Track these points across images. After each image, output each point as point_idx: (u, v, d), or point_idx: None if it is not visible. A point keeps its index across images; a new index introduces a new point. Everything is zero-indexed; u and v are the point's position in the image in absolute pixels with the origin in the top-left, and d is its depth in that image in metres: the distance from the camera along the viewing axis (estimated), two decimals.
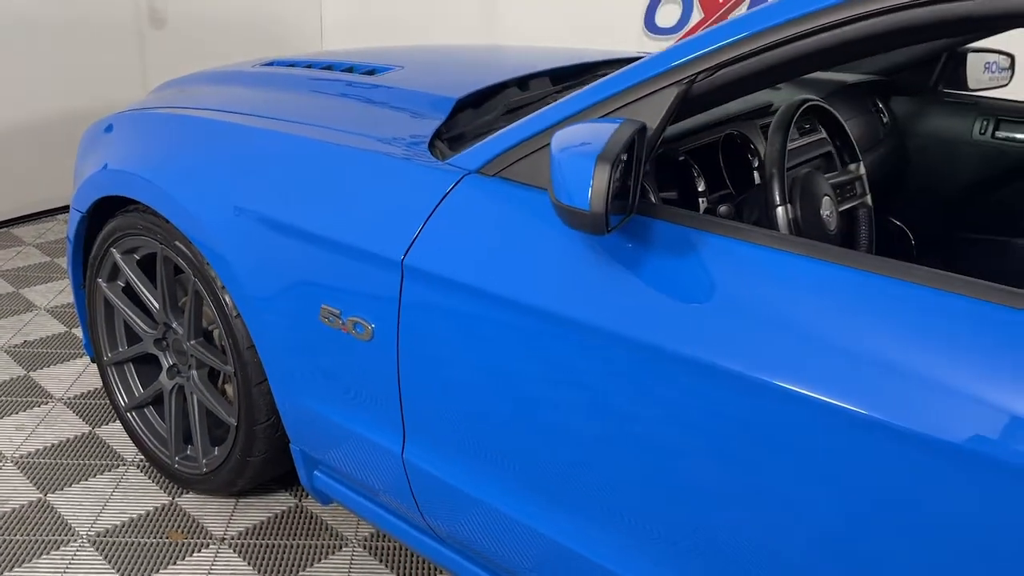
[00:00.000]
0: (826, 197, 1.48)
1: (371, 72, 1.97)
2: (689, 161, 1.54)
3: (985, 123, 2.25)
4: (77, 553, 1.84)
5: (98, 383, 2.45)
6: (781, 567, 1.08)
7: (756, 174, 1.65)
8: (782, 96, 1.95)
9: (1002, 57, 2.42)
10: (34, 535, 1.88)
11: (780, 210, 1.36)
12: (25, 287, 3.15)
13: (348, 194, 1.49)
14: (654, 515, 1.19)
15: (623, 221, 1.12)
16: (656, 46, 4.69)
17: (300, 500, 2.05)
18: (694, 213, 1.21)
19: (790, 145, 1.69)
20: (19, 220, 3.83)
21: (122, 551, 1.85)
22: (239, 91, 2.04)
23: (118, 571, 1.79)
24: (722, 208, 1.51)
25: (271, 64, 2.24)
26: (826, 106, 1.73)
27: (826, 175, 1.61)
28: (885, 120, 2.34)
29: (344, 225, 1.47)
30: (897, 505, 0.96)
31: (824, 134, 1.82)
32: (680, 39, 4.71)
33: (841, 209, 1.61)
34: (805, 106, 1.56)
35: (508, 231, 1.30)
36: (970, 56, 2.36)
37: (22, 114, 3.65)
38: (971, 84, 2.36)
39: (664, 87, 1.18)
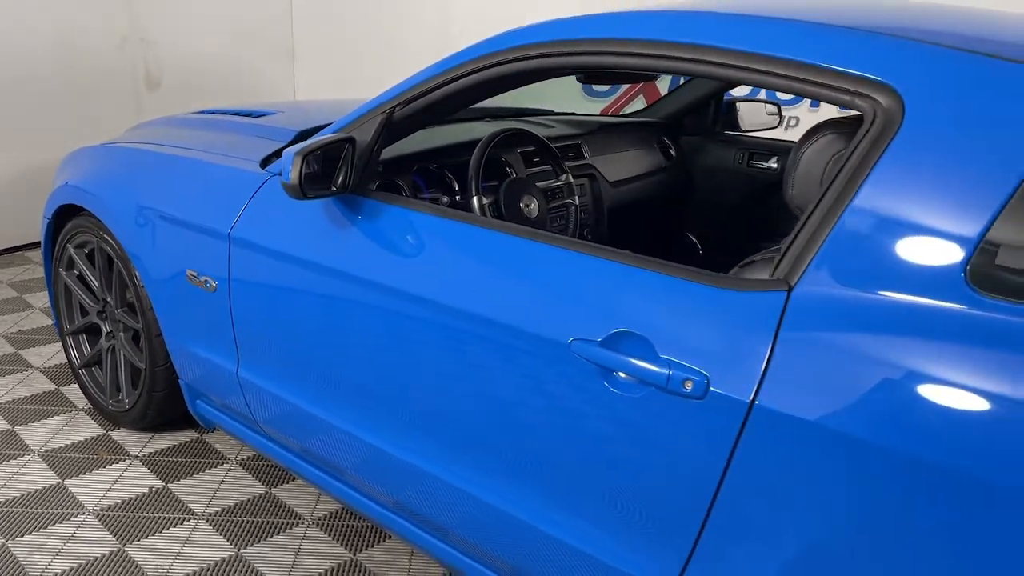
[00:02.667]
0: (528, 195, 2.14)
1: (260, 115, 2.69)
2: (445, 172, 2.21)
3: (741, 156, 2.90)
4: (28, 463, 2.51)
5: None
6: (483, 429, 1.69)
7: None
8: (539, 128, 2.61)
9: (770, 106, 3.07)
10: None
11: (474, 200, 2.02)
12: (27, 293, 3.89)
13: (202, 191, 2.19)
14: (396, 396, 1.77)
15: (328, 195, 1.79)
16: (593, 107, 5.39)
17: (201, 434, 2.71)
18: (404, 197, 1.87)
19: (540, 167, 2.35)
20: (30, 246, 4.62)
21: (66, 464, 2.52)
22: (167, 129, 2.77)
23: (60, 475, 2.46)
24: (474, 201, 2.13)
25: (203, 112, 2.98)
26: (533, 132, 2.36)
27: (541, 183, 2.27)
28: (673, 152, 3.00)
29: (198, 211, 2.16)
30: (570, 405, 1.47)
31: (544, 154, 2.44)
32: (613, 101, 5.37)
33: (552, 205, 2.26)
34: (509, 132, 2.21)
35: (286, 210, 1.97)
36: (742, 105, 3.01)
37: (35, 157, 4.44)
38: (744, 127, 3.01)
39: (375, 115, 1.86)
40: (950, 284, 1.15)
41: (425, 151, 2.20)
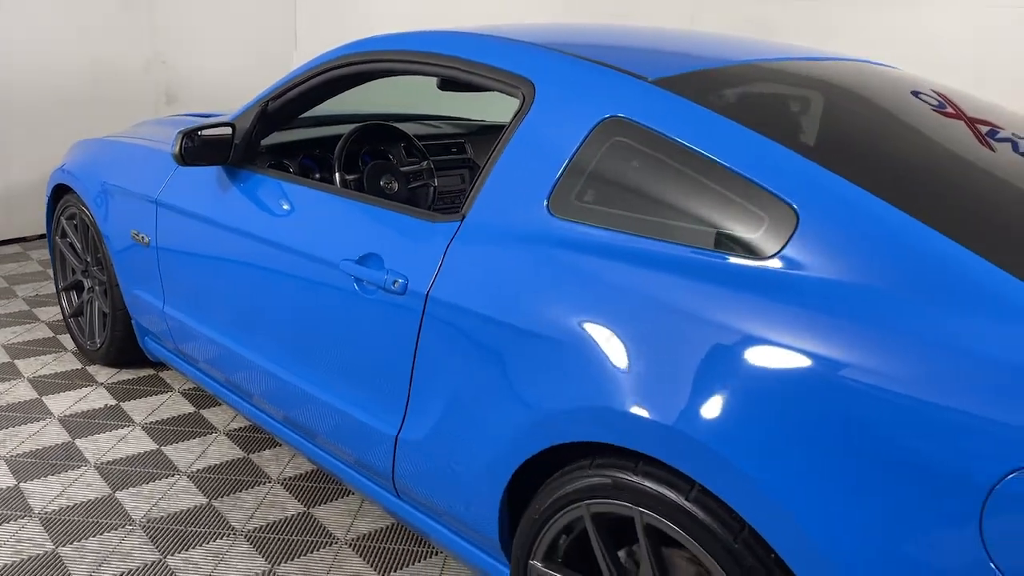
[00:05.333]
0: (388, 175, 2.74)
1: (215, 116, 3.36)
2: (328, 156, 2.83)
3: None
4: (16, 385, 3.21)
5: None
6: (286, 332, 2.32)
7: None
8: (419, 127, 3.22)
9: None
10: None
11: (337, 175, 2.63)
12: (49, 267, 4.65)
13: (143, 169, 2.86)
14: (255, 313, 2.40)
15: (205, 165, 2.43)
16: None
17: (157, 372, 3.37)
18: (273, 170, 2.50)
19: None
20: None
21: (45, 385, 3.21)
22: (149, 127, 3.47)
23: (39, 393, 3.14)
24: (337, 176, 2.73)
25: (183, 115, 3.68)
26: (395, 127, 2.95)
27: (405, 167, 2.86)
28: None
29: (139, 183, 2.83)
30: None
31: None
32: None
33: (413, 185, 2.85)
34: (373, 126, 2.81)
35: (195, 180, 2.62)
36: None
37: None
38: None
39: (254, 108, 2.50)
40: (538, 210, 1.71)
41: (310, 139, 2.84)
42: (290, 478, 2.66)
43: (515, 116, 1.84)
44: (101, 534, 2.34)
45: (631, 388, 1.44)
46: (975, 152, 1.73)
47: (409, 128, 3.16)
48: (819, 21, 4.77)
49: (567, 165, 1.70)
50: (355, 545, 2.34)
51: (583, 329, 1.54)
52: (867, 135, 1.72)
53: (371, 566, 2.26)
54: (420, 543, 2.36)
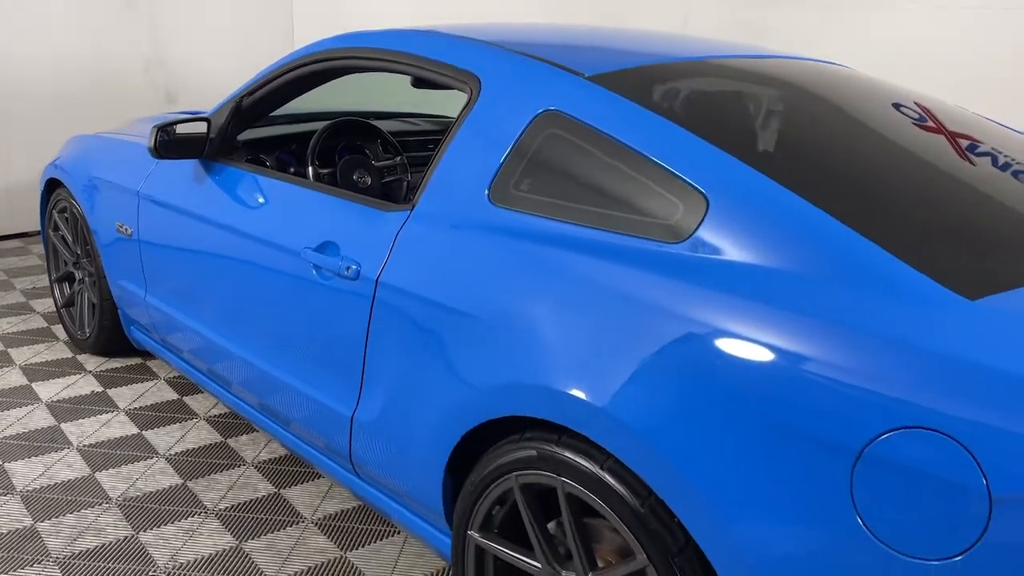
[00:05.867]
0: (362, 170, 2.84)
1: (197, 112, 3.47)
2: (304, 151, 2.92)
3: None
4: (10, 371, 3.32)
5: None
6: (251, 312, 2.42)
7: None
8: (398, 125, 3.31)
9: None
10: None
11: (310, 169, 2.73)
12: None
13: (127, 163, 2.97)
14: (226, 299, 2.52)
15: (179, 158, 2.54)
16: None
17: (144, 361, 3.48)
18: (248, 163, 2.60)
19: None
20: None
21: (35, 372, 3.32)
22: (141, 124, 3.58)
23: (28, 379, 3.26)
24: (309, 170, 2.83)
25: (179, 112, 3.79)
26: (369, 124, 3.04)
27: (379, 162, 2.96)
28: None
29: (123, 177, 2.94)
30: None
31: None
32: None
33: (387, 179, 2.95)
34: (345, 122, 2.91)
35: (173, 173, 2.72)
36: None
37: None
38: None
39: (229, 104, 2.61)
40: (480, 199, 1.80)
41: (289, 135, 2.94)
42: (264, 462, 2.76)
43: (462, 110, 1.93)
44: (78, 511, 2.44)
45: (554, 365, 1.53)
46: (895, 146, 1.81)
47: (388, 125, 3.26)
48: (808, 24, 4.85)
49: (506, 156, 1.79)
50: (321, 524, 2.44)
51: (513, 311, 1.62)
52: (787, 129, 1.80)
53: (335, 543, 2.35)
54: (383, 523, 2.45)
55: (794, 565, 1.24)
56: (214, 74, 5.83)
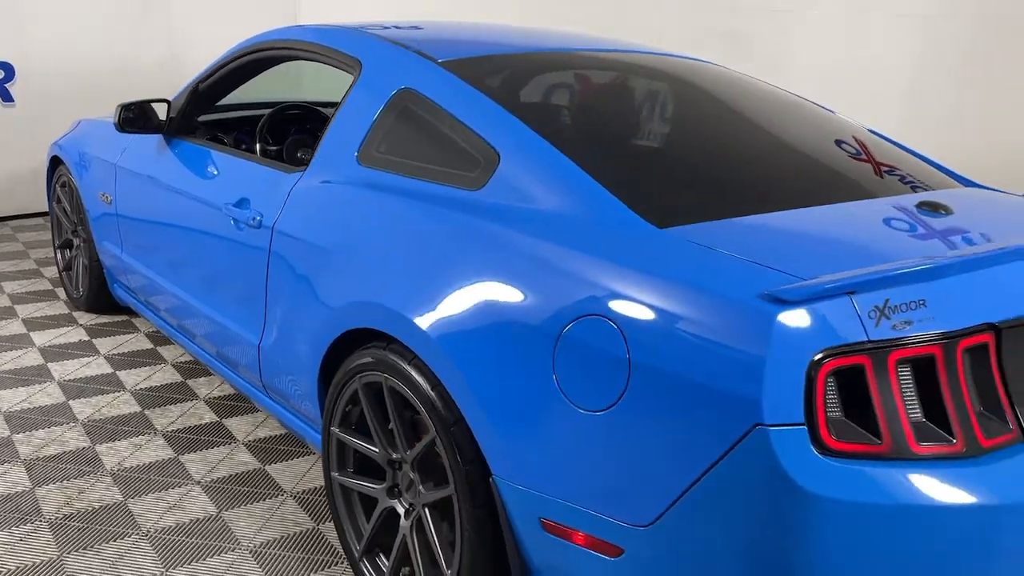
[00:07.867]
0: (305, 148, 3.26)
1: None
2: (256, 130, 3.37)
3: None
4: (11, 322, 3.82)
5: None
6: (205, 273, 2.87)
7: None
8: None
9: None
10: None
11: (258, 145, 3.16)
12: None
13: (109, 139, 3.44)
14: (178, 257, 2.98)
15: (139, 133, 2.99)
16: None
17: (129, 318, 3.96)
18: (202, 139, 3.04)
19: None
20: None
21: (34, 324, 3.81)
22: None
23: (27, 329, 3.74)
24: (257, 146, 3.27)
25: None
26: (318, 108, 3.47)
27: None
28: None
29: (102, 149, 3.42)
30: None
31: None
32: None
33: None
34: (292, 106, 3.35)
35: (143, 147, 3.18)
36: None
37: None
38: None
39: (188, 88, 3.06)
40: (351, 160, 2.21)
41: (250, 117, 3.39)
42: (215, 398, 3.20)
43: (348, 88, 2.35)
44: (48, 428, 2.90)
45: (386, 287, 1.93)
46: (670, 120, 2.20)
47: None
48: (781, 33, 5.23)
49: (371, 125, 2.20)
50: (251, 446, 2.86)
51: (362, 246, 2.03)
52: (585, 104, 2.19)
53: (258, 460, 2.77)
54: (303, 445, 2.87)
55: (522, 417, 1.62)
56: None
